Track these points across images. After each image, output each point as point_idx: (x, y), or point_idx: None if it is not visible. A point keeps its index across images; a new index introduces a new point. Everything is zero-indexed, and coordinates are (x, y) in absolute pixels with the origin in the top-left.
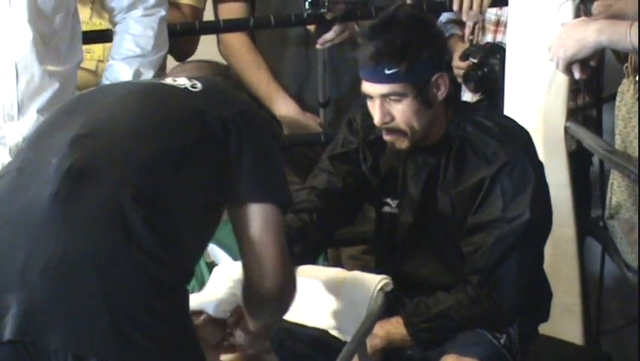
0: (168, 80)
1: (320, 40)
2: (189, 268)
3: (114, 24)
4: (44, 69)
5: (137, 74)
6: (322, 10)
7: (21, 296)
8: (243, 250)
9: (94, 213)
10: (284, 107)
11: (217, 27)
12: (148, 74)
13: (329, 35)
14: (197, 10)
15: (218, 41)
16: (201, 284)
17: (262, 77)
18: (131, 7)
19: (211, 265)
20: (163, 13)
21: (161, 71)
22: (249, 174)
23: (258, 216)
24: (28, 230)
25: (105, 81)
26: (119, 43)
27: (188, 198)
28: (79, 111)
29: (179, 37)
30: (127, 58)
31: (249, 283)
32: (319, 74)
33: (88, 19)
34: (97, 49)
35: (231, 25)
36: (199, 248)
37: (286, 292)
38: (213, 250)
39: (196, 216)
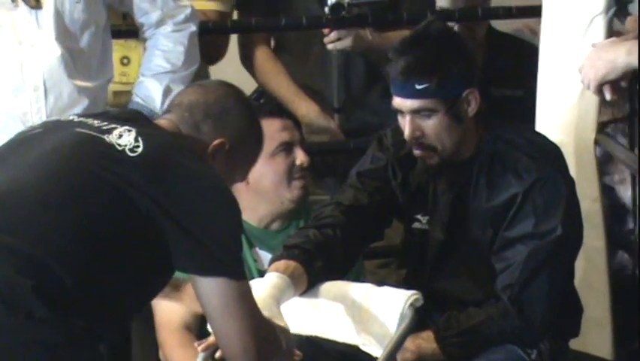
0: (112, 136)
1: (325, 40)
2: (121, 320)
3: (144, 40)
4: (74, 85)
5: (168, 90)
6: (343, 14)
7: None
8: (210, 321)
9: None
10: (304, 108)
11: (249, 26)
12: (178, 90)
13: (333, 35)
14: (225, 15)
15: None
16: None
17: (282, 82)
18: (160, 23)
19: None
20: (193, 28)
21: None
22: (187, 247)
23: (209, 292)
24: None
25: (135, 98)
26: (149, 59)
27: (97, 267)
28: (5, 162)
29: (211, 35)
30: (157, 74)
31: (223, 354)
32: (333, 80)
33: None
34: (132, 71)
35: (263, 25)
36: (137, 302)
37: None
38: (267, 258)
39: (116, 282)
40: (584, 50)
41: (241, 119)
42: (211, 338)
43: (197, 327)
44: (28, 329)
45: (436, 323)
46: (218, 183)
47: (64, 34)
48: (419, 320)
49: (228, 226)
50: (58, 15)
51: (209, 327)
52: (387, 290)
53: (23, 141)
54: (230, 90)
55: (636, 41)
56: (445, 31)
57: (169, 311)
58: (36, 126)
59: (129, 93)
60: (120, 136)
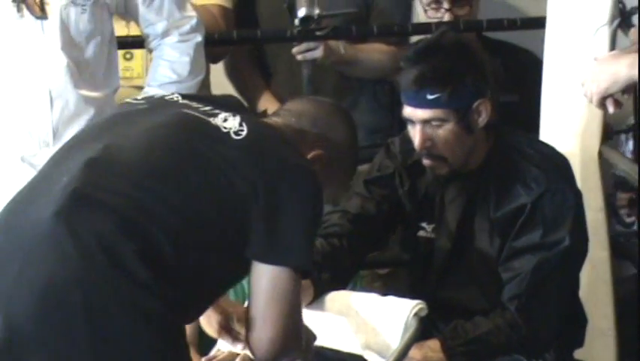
0: (218, 119)
1: (294, 50)
2: (194, 306)
3: (150, 50)
4: (79, 95)
5: None
6: (312, 26)
7: (6, 311)
8: (248, 306)
9: (86, 239)
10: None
11: (254, 37)
12: None
13: (303, 45)
14: (227, 10)
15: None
16: None
17: (253, 83)
18: (165, 34)
19: None
20: (199, 38)
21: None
22: (264, 234)
23: (265, 277)
24: (25, 244)
25: None
26: (155, 69)
27: (192, 242)
28: (109, 131)
29: (216, 46)
30: (163, 84)
31: (247, 337)
32: (304, 89)
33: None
34: (137, 66)
35: (270, 36)
36: (213, 290)
37: (281, 356)
38: None
39: (204, 261)
40: (588, 61)
41: (344, 139)
42: (220, 355)
43: (197, 342)
44: (127, 289)
45: (443, 332)
46: (312, 178)
47: (69, 44)
48: (424, 329)
49: (309, 222)
50: (64, 25)
51: (220, 344)
52: (392, 300)
53: (129, 113)
54: (342, 110)
55: (638, 54)
56: (458, 41)
57: None
58: (140, 101)
59: (131, 89)
60: (225, 120)
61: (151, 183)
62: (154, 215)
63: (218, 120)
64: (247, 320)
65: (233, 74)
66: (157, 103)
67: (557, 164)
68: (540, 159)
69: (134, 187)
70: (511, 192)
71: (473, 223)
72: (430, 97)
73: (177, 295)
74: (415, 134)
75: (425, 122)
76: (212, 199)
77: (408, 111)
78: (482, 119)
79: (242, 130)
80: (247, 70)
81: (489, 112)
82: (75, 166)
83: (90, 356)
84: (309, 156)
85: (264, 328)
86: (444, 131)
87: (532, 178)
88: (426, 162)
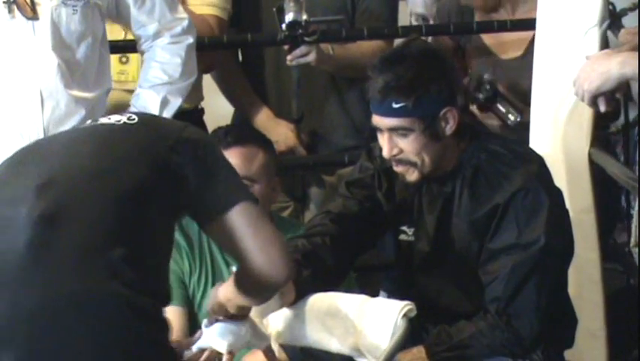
0: (104, 120)
1: (289, 57)
2: (165, 292)
3: (142, 52)
4: (70, 96)
5: (165, 101)
6: (299, 32)
7: (11, 350)
8: (242, 250)
9: (70, 256)
10: (257, 113)
11: (245, 41)
12: (176, 102)
13: (298, 51)
14: (222, 21)
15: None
16: None
17: (241, 90)
18: (157, 35)
19: None
20: (191, 40)
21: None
22: (208, 190)
23: (237, 218)
24: (7, 281)
25: (132, 109)
26: (146, 71)
27: (154, 228)
28: (30, 162)
29: (207, 50)
30: (155, 86)
31: (257, 278)
32: (293, 91)
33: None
34: (132, 70)
35: (261, 40)
36: (166, 270)
37: (290, 275)
38: None
39: (162, 242)
40: (578, 62)
41: None
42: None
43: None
44: (122, 295)
45: (429, 335)
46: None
47: (60, 45)
48: (413, 330)
49: (227, 162)
50: (55, 26)
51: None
52: (381, 301)
53: (30, 147)
54: None
55: (630, 53)
56: (424, 50)
57: None
58: (31, 142)
59: (125, 93)
60: (109, 118)
61: (105, 187)
62: (124, 214)
63: (105, 120)
64: (244, 269)
65: (225, 90)
66: (47, 138)
67: (530, 163)
68: (513, 158)
69: (93, 195)
70: (485, 194)
71: (451, 226)
72: (395, 106)
73: (155, 286)
74: (383, 142)
75: (391, 130)
76: (158, 184)
77: (375, 120)
78: (450, 127)
79: (131, 116)
80: (239, 85)
81: (456, 120)
82: (26, 197)
83: None
84: None
85: (269, 254)
86: (410, 139)
87: (505, 178)
88: (396, 168)
